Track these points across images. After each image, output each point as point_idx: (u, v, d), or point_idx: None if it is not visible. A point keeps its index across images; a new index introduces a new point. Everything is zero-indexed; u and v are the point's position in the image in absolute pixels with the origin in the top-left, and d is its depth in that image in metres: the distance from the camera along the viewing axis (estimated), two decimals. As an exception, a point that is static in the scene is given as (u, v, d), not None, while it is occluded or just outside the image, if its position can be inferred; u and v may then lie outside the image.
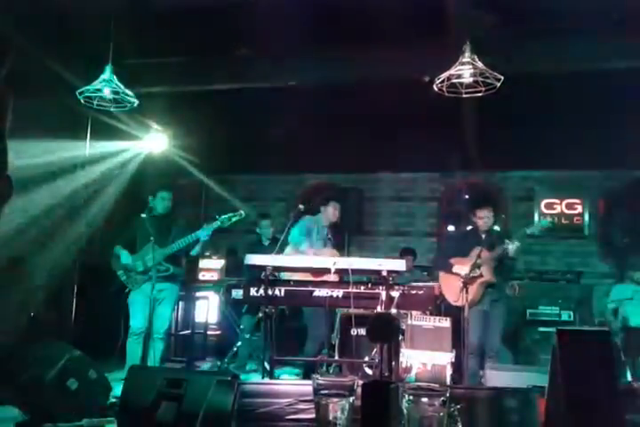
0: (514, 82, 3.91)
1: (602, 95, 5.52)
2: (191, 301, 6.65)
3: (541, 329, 6.08)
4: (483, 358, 4.81)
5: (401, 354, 4.45)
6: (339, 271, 4.15)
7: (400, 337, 4.45)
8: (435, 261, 6.11)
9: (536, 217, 7.84)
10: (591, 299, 6.35)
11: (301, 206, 5.32)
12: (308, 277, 4.65)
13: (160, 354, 4.83)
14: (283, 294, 4.22)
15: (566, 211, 7.86)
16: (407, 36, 5.03)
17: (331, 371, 4.84)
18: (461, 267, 4.83)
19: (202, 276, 6.82)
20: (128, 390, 1.81)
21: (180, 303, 6.61)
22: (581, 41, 5.01)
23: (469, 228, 5.34)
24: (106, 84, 4.15)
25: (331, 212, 5.28)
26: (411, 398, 1.22)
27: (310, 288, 4.23)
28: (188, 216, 5.47)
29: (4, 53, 1.49)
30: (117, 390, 3.46)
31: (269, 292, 4.13)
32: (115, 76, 4.21)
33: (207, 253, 7.11)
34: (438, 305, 5.32)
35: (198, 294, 6.71)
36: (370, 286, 4.18)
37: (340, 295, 4.15)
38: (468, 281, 4.66)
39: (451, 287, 4.90)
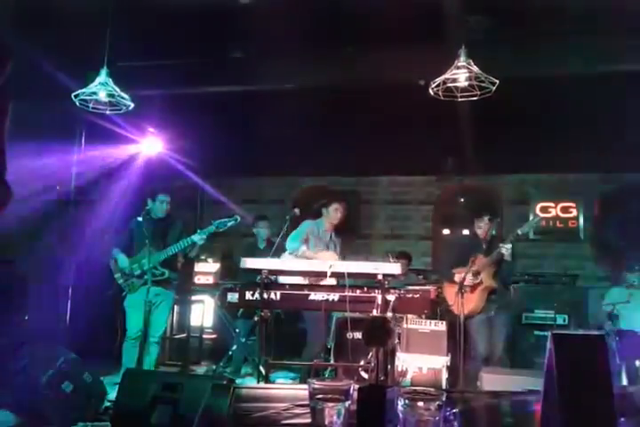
0: (509, 85, 3.92)
1: (597, 98, 5.54)
2: (187, 304, 6.64)
3: (537, 333, 6.09)
4: (485, 364, 4.81)
5: (397, 358, 4.45)
6: (335, 275, 4.14)
7: (396, 341, 4.45)
8: (438, 271, 6.11)
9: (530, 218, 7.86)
10: (586, 302, 6.36)
11: (297, 210, 5.32)
12: (305, 280, 4.64)
13: (155, 358, 4.82)
14: (278, 297, 4.21)
15: (561, 214, 7.89)
16: (403, 39, 5.04)
17: (326, 375, 4.83)
18: (461, 275, 4.84)
19: (197, 279, 6.81)
20: (123, 394, 1.80)
21: (176, 307, 6.60)
22: (578, 43, 5.03)
23: (467, 233, 5.35)
24: (101, 87, 4.15)
25: (332, 214, 5.20)
26: (407, 402, 1.22)
27: (306, 292, 4.23)
28: (184, 219, 5.45)
29: (4, 61, 1.48)
30: (112, 393, 3.45)
31: (265, 295, 4.12)
32: (110, 79, 4.21)
33: (203, 257, 7.10)
34: (436, 309, 5.33)
35: (194, 297, 6.69)
36: (366, 289, 4.17)
37: (336, 299, 4.14)
38: (468, 288, 4.67)
39: (454, 297, 4.89)
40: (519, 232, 4.87)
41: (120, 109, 4.40)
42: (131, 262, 4.80)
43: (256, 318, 5.43)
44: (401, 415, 1.21)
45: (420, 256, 8.22)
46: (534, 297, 6.31)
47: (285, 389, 1.91)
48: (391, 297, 4.10)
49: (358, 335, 4.84)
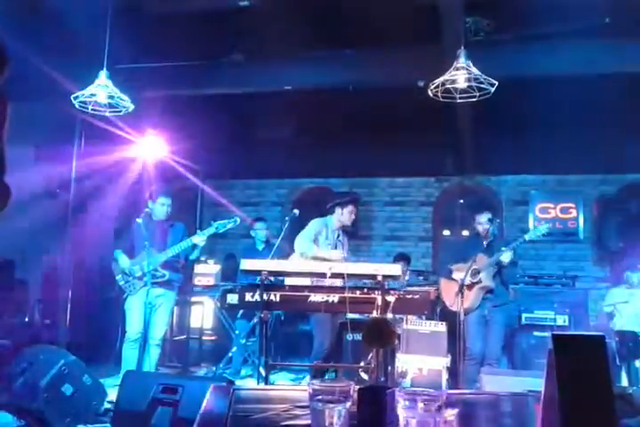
0: (508, 87, 3.93)
1: (597, 99, 5.55)
2: (186, 306, 6.64)
3: (537, 333, 6.09)
4: (481, 365, 4.81)
5: (397, 359, 4.45)
6: (335, 276, 4.14)
7: (396, 342, 4.45)
8: (436, 267, 6.12)
9: (531, 221, 7.86)
10: (586, 303, 6.36)
11: (296, 211, 5.31)
12: (310, 281, 4.61)
13: (156, 360, 4.82)
14: (278, 299, 4.21)
15: (561, 215, 7.88)
16: (403, 40, 5.06)
17: (326, 376, 4.83)
18: (460, 273, 4.85)
19: (197, 281, 6.80)
20: (123, 396, 1.80)
21: (176, 309, 6.59)
22: (578, 44, 5.03)
23: (469, 233, 5.35)
24: (101, 89, 4.15)
25: (347, 215, 5.18)
26: (407, 403, 1.22)
27: (306, 293, 4.22)
28: (184, 221, 5.45)
29: (1, 63, 1.48)
30: (112, 395, 3.45)
31: (265, 297, 4.12)
32: (110, 81, 4.21)
33: (203, 259, 7.10)
34: (435, 310, 5.33)
35: (193, 299, 6.69)
36: (365, 290, 4.17)
37: (336, 300, 4.14)
38: (465, 286, 4.67)
39: (449, 292, 4.91)
40: (526, 238, 4.87)
41: (120, 111, 4.40)
42: (132, 264, 4.80)
43: (256, 320, 5.44)
44: (401, 417, 1.21)
45: (420, 257, 8.23)
46: (534, 298, 6.31)
47: (285, 390, 1.91)
48: (391, 298, 4.10)
49: (358, 337, 4.85)
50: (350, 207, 5.15)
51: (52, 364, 3.54)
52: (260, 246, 6.18)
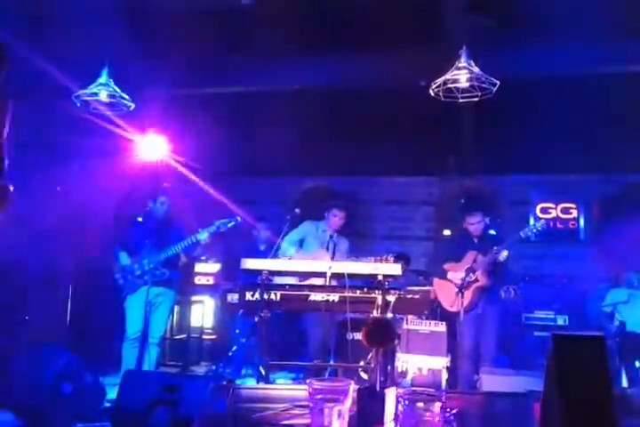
0: (510, 86, 3.93)
1: (598, 99, 5.54)
2: (187, 305, 6.64)
3: (537, 334, 6.08)
4: (477, 363, 4.81)
5: (397, 358, 4.45)
6: (335, 276, 4.14)
7: (396, 342, 4.45)
8: (429, 267, 6.12)
9: (531, 221, 7.85)
10: (586, 303, 6.36)
11: (297, 210, 5.32)
12: (297, 281, 4.63)
13: (155, 359, 4.81)
14: (278, 298, 4.21)
15: (562, 215, 7.88)
16: (404, 40, 5.05)
17: (325, 376, 4.83)
18: (455, 273, 4.84)
19: (197, 280, 6.80)
20: (123, 395, 1.80)
21: (176, 307, 6.59)
22: (579, 44, 5.03)
23: (459, 232, 5.35)
24: (102, 88, 4.15)
25: (331, 219, 5.21)
26: (406, 402, 1.22)
27: (306, 292, 4.23)
28: (184, 220, 5.45)
29: (1, 59, 1.48)
30: (112, 394, 3.45)
31: (265, 296, 4.12)
32: (111, 80, 4.21)
33: (203, 258, 7.10)
34: (435, 310, 5.33)
35: (194, 298, 6.69)
36: (366, 290, 4.17)
37: (336, 300, 4.14)
38: (464, 287, 4.67)
39: (445, 293, 4.91)
40: (521, 235, 4.87)
41: (121, 110, 4.40)
42: (132, 262, 4.80)
43: (256, 319, 5.43)
44: (401, 416, 1.21)
45: (421, 257, 8.22)
46: (534, 298, 6.30)
47: (285, 389, 1.91)
48: (391, 298, 4.10)
49: (358, 336, 4.84)
50: (334, 211, 5.18)
51: (53, 363, 3.54)
52: (262, 246, 6.18)
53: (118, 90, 4.22)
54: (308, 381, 1.27)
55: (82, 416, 3.52)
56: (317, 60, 5.63)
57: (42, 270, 6.71)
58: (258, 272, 4.19)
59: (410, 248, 7.93)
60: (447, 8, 4.35)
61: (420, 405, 1.21)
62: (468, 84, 3.79)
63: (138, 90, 4.90)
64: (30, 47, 4.80)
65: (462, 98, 3.92)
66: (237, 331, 6.00)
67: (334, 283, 4.28)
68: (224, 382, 1.74)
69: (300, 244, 5.17)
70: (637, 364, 5.43)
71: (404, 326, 4.78)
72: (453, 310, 4.79)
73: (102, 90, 4.15)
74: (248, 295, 4.28)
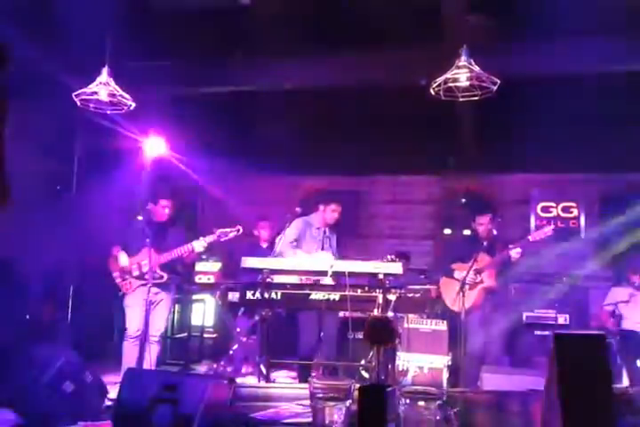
0: (511, 85, 3.92)
1: (600, 98, 5.54)
2: (187, 303, 6.64)
3: (538, 332, 6.08)
4: (481, 363, 4.81)
5: (397, 357, 4.45)
6: (336, 274, 4.14)
7: (397, 340, 4.45)
8: (436, 266, 6.11)
9: (532, 220, 7.85)
10: (587, 302, 6.36)
11: (298, 209, 5.31)
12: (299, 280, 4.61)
13: (156, 357, 4.82)
14: (279, 297, 4.21)
15: (562, 214, 7.88)
16: (404, 39, 5.05)
17: (326, 374, 4.83)
18: (461, 272, 4.84)
19: (198, 279, 6.81)
20: (124, 394, 1.80)
21: (177, 306, 6.60)
22: (581, 43, 5.02)
23: (469, 233, 5.34)
24: (102, 87, 4.15)
25: (329, 214, 5.16)
26: (407, 401, 1.22)
27: (307, 291, 4.23)
28: (185, 220, 5.46)
29: (2, 58, 1.48)
30: (113, 392, 3.45)
31: (266, 295, 4.12)
32: (111, 79, 4.21)
33: (204, 257, 7.10)
34: (436, 308, 5.33)
35: (194, 296, 6.70)
36: (366, 289, 4.17)
37: (337, 298, 4.14)
38: (465, 285, 4.67)
39: (450, 292, 4.90)
40: (529, 239, 4.86)
41: (121, 109, 4.40)
42: (131, 263, 4.80)
43: (257, 318, 5.43)
44: (402, 415, 1.21)
45: (422, 256, 8.21)
46: (535, 297, 6.30)
47: (286, 388, 1.91)
48: (392, 297, 4.10)
49: (359, 335, 4.84)
50: (333, 206, 5.12)
51: (53, 361, 3.54)
52: (264, 245, 6.18)
53: (118, 89, 4.21)
54: (309, 379, 1.27)
55: (83, 415, 3.51)
56: (317, 60, 5.62)
57: (43, 269, 6.72)
58: (258, 271, 4.20)
59: (410, 247, 7.92)
60: (447, 7, 4.35)
61: (421, 403, 1.21)
62: (468, 83, 3.78)
63: (138, 89, 4.89)
64: (30, 46, 4.80)
65: (462, 97, 3.91)
66: (238, 330, 6.00)
67: (335, 282, 4.28)
68: (225, 381, 1.74)
69: (297, 243, 5.11)
70: (638, 363, 5.43)
71: (405, 325, 4.78)
72: (455, 308, 4.79)
73: (102, 89, 4.14)
74: (249, 294, 4.28)
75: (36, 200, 6.24)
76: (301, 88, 5.90)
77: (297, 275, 4.53)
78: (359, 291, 4.14)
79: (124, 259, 4.81)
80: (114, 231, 5.58)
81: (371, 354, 4.67)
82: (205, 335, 6.88)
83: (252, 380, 5.38)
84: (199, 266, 7.13)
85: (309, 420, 1.26)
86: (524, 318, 6.20)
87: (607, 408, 1.21)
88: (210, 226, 5.04)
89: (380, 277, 4.03)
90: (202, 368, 6.31)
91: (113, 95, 4.21)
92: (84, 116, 5.53)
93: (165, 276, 4.78)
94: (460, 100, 3.94)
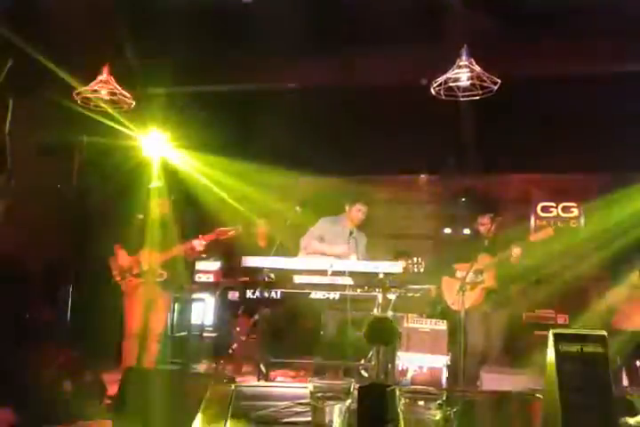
0: (511, 85, 3.92)
1: (600, 98, 5.54)
2: (187, 302, 6.64)
3: (537, 332, 6.08)
4: (481, 363, 4.81)
5: (397, 357, 4.45)
6: (336, 274, 4.14)
7: (396, 340, 4.45)
8: (438, 266, 6.10)
9: (532, 220, 7.85)
10: (587, 302, 6.35)
11: (298, 208, 5.31)
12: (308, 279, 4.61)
13: (156, 356, 4.82)
14: (279, 296, 4.21)
15: (562, 214, 7.87)
16: (405, 38, 5.04)
17: (326, 374, 4.83)
18: (463, 272, 4.84)
19: (198, 278, 6.81)
20: (123, 392, 1.80)
21: (176, 305, 6.59)
22: (581, 43, 5.02)
23: (469, 232, 5.34)
24: (103, 85, 4.15)
25: (354, 214, 5.15)
26: (407, 401, 1.22)
27: (307, 290, 4.23)
28: (185, 218, 5.45)
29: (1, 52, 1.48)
30: (113, 391, 3.45)
31: (265, 294, 4.13)
32: (112, 77, 4.21)
33: (204, 256, 7.09)
34: (437, 308, 5.33)
35: (194, 296, 6.69)
36: (366, 288, 4.17)
37: (337, 298, 4.15)
38: (465, 285, 4.67)
39: (451, 291, 4.90)
40: (531, 239, 4.86)
41: (122, 108, 4.40)
42: (130, 261, 4.80)
43: (257, 317, 5.44)
44: (401, 414, 1.21)
45: (423, 255, 8.20)
46: (535, 296, 6.30)
47: (286, 387, 1.91)
48: (392, 296, 4.11)
49: (359, 334, 4.85)
50: (358, 205, 5.14)
51: (53, 360, 3.55)
52: (262, 244, 6.18)
53: (119, 87, 4.21)
54: (309, 379, 1.27)
55: (83, 413, 3.52)
56: (317, 59, 5.62)
57: (42, 268, 6.72)
58: (258, 270, 4.20)
59: (411, 247, 7.92)
60: (448, 6, 4.34)
61: (421, 403, 1.21)
62: (469, 83, 3.78)
63: (138, 87, 4.90)
64: (31, 43, 4.80)
65: (463, 96, 3.91)
66: (238, 329, 6.00)
67: (335, 281, 4.28)
68: (225, 380, 1.74)
69: (321, 240, 5.10)
70: (638, 363, 5.43)
71: (405, 325, 4.78)
72: (455, 307, 4.79)
73: (103, 87, 4.14)
74: (248, 293, 4.29)
75: (37, 198, 6.23)
76: (302, 87, 5.90)
77: (297, 274, 4.54)
78: (359, 290, 4.15)
79: (122, 258, 4.81)
80: (113, 230, 5.59)
81: (370, 353, 4.68)
82: (205, 334, 6.88)
83: (251, 379, 5.39)
84: (199, 265, 7.13)
85: (309, 419, 1.26)
86: (523, 317, 6.19)
87: (607, 409, 1.21)
88: (209, 225, 5.04)
89: (380, 276, 4.03)
90: (201, 367, 6.32)
91: (113, 93, 4.21)
92: (85, 114, 5.53)
93: (165, 274, 4.78)
94: (461, 99, 3.94)
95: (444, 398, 1.24)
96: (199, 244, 4.78)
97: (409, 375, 4.52)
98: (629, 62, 5.00)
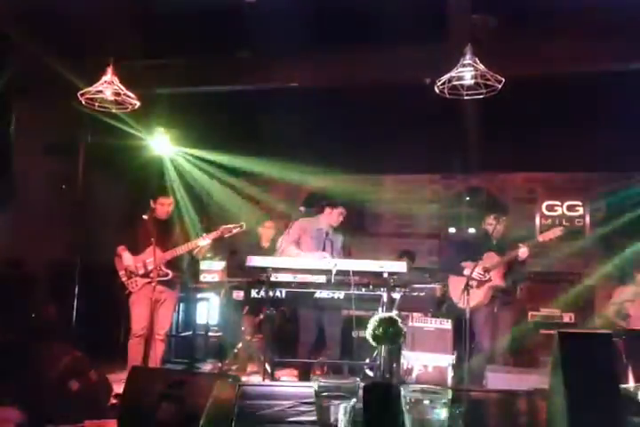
0: (515, 84, 3.91)
1: (604, 97, 5.51)
2: (192, 302, 6.65)
3: (543, 331, 6.07)
4: (486, 362, 4.79)
5: (402, 356, 4.45)
6: (340, 273, 4.14)
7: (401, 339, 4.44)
8: (445, 264, 6.07)
9: (537, 219, 7.84)
10: (593, 301, 6.34)
11: (302, 209, 5.32)
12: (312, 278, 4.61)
13: (161, 355, 4.83)
14: (284, 295, 4.21)
15: (567, 213, 7.85)
16: (409, 37, 5.04)
17: (331, 373, 4.83)
18: (470, 270, 4.83)
19: (203, 277, 6.81)
20: (129, 391, 1.80)
21: (182, 305, 6.60)
22: (584, 42, 5.01)
23: (476, 230, 5.32)
24: (107, 86, 4.15)
25: (335, 217, 5.15)
26: (412, 400, 1.22)
27: (311, 290, 4.23)
28: (190, 218, 5.46)
29: (5, 53, 1.48)
30: (118, 390, 3.46)
31: (270, 293, 4.13)
32: (116, 78, 4.21)
33: (208, 255, 7.10)
34: (442, 307, 5.32)
35: (199, 295, 6.70)
36: (371, 287, 4.17)
37: (342, 297, 4.14)
38: (475, 284, 4.66)
39: (458, 290, 4.88)
40: (540, 239, 4.84)
41: (126, 108, 4.40)
42: (135, 261, 4.81)
43: (261, 316, 5.44)
44: (407, 413, 1.21)
45: (426, 255, 8.21)
46: (540, 295, 6.29)
47: (291, 386, 1.91)
48: (396, 295, 4.10)
49: (363, 333, 4.84)
50: (340, 209, 5.14)
51: (59, 359, 3.56)
52: (266, 245, 6.18)
53: (123, 88, 4.22)
54: (314, 378, 1.27)
55: (88, 412, 3.53)
56: (321, 59, 5.62)
57: (48, 268, 6.74)
58: (263, 270, 4.20)
59: (415, 246, 7.92)
60: (452, 5, 4.33)
61: (426, 402, 1.20)
62: (473, 82, 3.77)
63: (143, 88, 4.90)
64: (36, 44, 4.81)
65: (467, 95, 3.90)
66: (243, 328, 6.01)
67: (339, 280, 4.27)
68: (230, 379, 1.74)
69: (297, 243, 5.11)
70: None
71: (410, 324, 4.78)
72: (461, 305, 4.78)
73: (107, 88, 4.14)
74: (253, 293, 4.29)
75: (42, 199, 6.25)
76: (306, 87, 5.90)
77: (301, 273, 4.54)
78: (364, 289, 4.14)
79: (128, 258, 4.82)
80: (118, 230, 5.60)
81: (375, 353, 4.68)
82: (210, 334, 6.89)
83: (256, 378, 5.39)
84: (204, 264, 7.13)
85: (314, 418, 1.26)
86: (529, 316, 6.18)
87: (613, 408, 1.21)
88: (213, 223, 5.05)
89: (385, 275, 4.02)
90: (207, 367, 6.32)
91: (118, 94, 4.22)
92: (90, 115, 5.54)
93: (171, 273, 4.79)
94: (465, 98, 3.93)
95: (450, 397, 1.23)
96: (204, 242, 4.79)
97: (414, 374, 4.52)
98: (634, 61, 4.98)
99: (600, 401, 1.22)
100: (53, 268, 6.67)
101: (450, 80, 3.78)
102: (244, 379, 4.65)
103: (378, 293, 4.10)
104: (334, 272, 4.09)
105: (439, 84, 3.83)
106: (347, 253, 5.40)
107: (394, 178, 8.64)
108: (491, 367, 4.35)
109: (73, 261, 6.03)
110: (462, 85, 3.81)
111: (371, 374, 4.84)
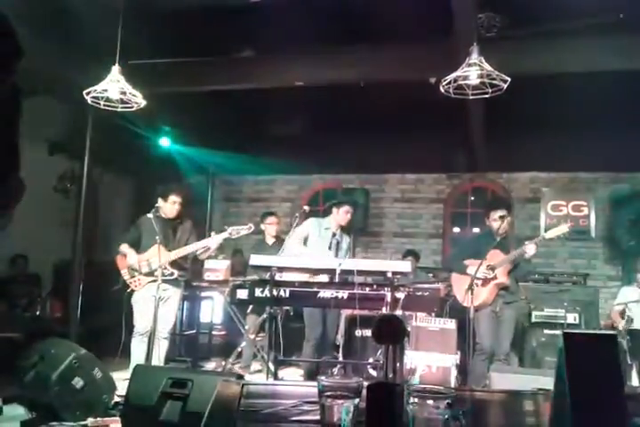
0: (521, 83, 3.90)
1: (609, 97, 5.50)
2: (196, 301, 6.66)
3: (547, 332, 6.05)
4: (490, 361, 4.78)
5: (406, 356, 4.44)
6: (344, 272, 4.13)
7: (405, 339, 4.45)
8: (448, 262, 6.06)
9: (542, 219, 7.82)
10: (597, 301, 6.32)
11: (306, 207, 5.32)
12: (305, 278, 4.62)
13: (164, 353, 4.84)
14: (287, 294, 4.21)
15: (572, 213, 7.83)
16: (415, 37, 5.03)
17: (335, 372, 4.83)
18: (474, 268, 4.81)
19: (207, 276, 6.82)
20: (132, 390, 1.80)
21: (185, 303, 6.61)
22: (591, 41, 4.99)
23: (480, 230, 5.30)
24: (113, 85, 4.16)
25: (342, 216, 5.17)
26: (416, 400, 1.21)
27: (315, 289, 4.22)
28: (193, 217, 5.45)
29: (13, 55, 1.47)
30: (122, 389, 3.46)
31: (274, 292, 4.13)
32: (121, 77, 4.22)
33: (212, 254, 7.10)
34: (444, 307, 5.30)
35: (203, 294, 6.71)
36: (375, 287, 4.17)
37: (345, 297, 4.14)
38: (479, 282, 4.65)
39: (462, 288, 4.87)
40: (545, 237, 4.81)
41: (131, 107, 4.41)
42: (139, 260, 4.81)
43: (265, 315, 5.44)
44: (410, 413, 1.21)
45: (430, 254, 8.21)
46: (545, 296, 6.27)
47: (294, 385, 1.91)
48: (400, 295, 4.09)
49: (367, 333, 4.85)
50: (346, 207, 5.16)
51: (63, 357, 3.56)
52: (270, 241, 6.18)
53: (129, 86, 4.23)
54: (317, 377, 1.27)
55: (92, 410, 3.54)
56: (326, 58, 5.61)
57: (52, 267, 6.76)
58: (267, 268, 4.20)
59: (419, 246, 7.92)
60: (458, 5, 4.32)
61: (430, 402, 1.20)
62: (478, 81, 3.76)
63: (148, 87, 4.91)
64: (42, 43, 4.82)
65: (473, 95, 3.90)
66: (246, 327, 6.01)
67: (343, 280, 4.28)
68: (233, 378, 1.74)
69: (304, 241, 5.14)
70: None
71: (414, 324, 4.77)
72: (467, 305, 4.77)
73: (113, 87, 4.15)
74: (257, 291, 4.29)
75: (47, 197, 6.27)
76: (311, 85, 5.89)
77: (305, 273, 4.54)
78: (367, 289, 4.14)
79: (131, 256, 4.82)
80: (123, 228, 5.61)
81: (379, 352, 4.67)
82: (214, 332, 6.90)
83: (260, 377, 5.39)
84: (208, 263, 7.14)
85: (317, 418, 1.26)
86: (533, 316, 6.17)
87: (617, 408, 1.20)
88: (218, 222, 5.05)
89: (389, 275, 4.02)
90: (210, 365, 6.33)
91: (123, 93, 4.23)
92: (95, 114, 5.55)
93: (176, 273, 4.79)
94: (470, 97, 3.93)
95: (453, 398, 1.23)
96: (215, 242, 4.79)
97: (417, 374, 4.52)
98: (635, 61, 4.96)
99: (604, 402, 1.21)
100: (57, 266, 6.70)
101: (455, 79, 3.77)
102: (247, 378, 4.66)
103: (382, 292, 4.09)
104: (338, 271, 4.08)
105: (444, 83, 3.83)
106: (351, 253, 5.42)
107: (398, 177, 8.64)
108: (494, 368, 4.34)
109: (77, 259, 6.05)
110: (468, 85, 3.81)
111: (374, 373, 4.84)
